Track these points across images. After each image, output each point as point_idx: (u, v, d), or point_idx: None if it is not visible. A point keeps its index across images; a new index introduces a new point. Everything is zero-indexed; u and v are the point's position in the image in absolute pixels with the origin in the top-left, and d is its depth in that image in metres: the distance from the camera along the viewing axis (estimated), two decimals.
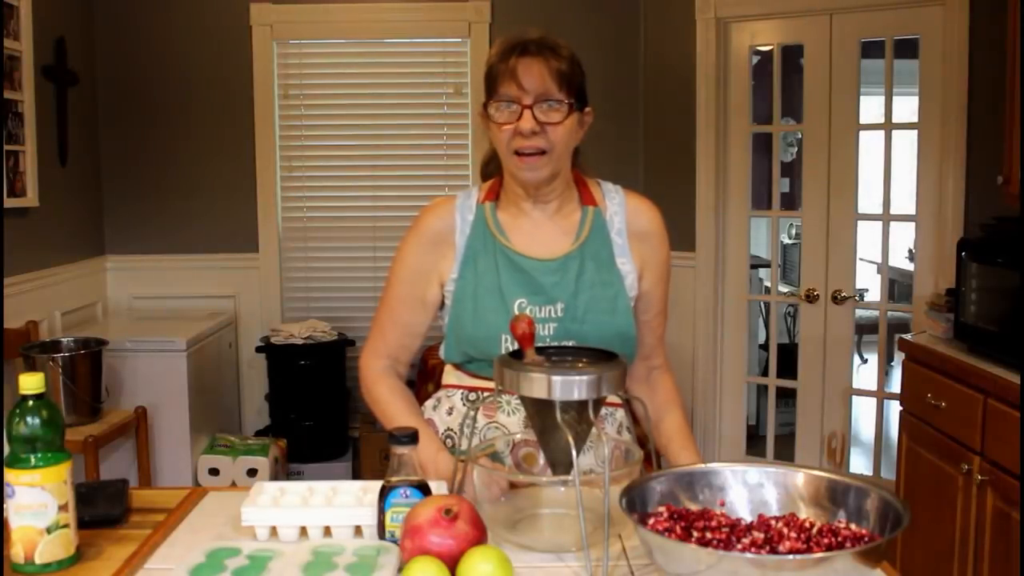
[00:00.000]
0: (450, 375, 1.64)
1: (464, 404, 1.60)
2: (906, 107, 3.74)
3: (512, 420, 1.55)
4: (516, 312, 1.52)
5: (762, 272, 5.07)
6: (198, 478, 3.66)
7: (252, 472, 3.65)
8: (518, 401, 1.55)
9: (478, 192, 1.62)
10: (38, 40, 3.47)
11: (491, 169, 1.66)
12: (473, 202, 1.60)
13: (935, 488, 2.72)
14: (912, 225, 3.53)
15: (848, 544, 1.06)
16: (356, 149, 4.28)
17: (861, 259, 3.84)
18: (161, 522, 1.37)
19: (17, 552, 1.19)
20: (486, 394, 1.56)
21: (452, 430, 1.60)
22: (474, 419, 1.47)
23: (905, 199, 3.69)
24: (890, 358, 4.68)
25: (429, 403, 1.68)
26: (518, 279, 1.53)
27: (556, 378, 1.19)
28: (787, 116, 4.03)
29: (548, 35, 1.51)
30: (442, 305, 1.63)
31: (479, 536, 1.16)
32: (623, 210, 1.60)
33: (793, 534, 1.08)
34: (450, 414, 1.62)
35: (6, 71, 3.25)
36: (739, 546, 1.06)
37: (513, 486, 1.38)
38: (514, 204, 1.58)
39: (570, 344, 1.49)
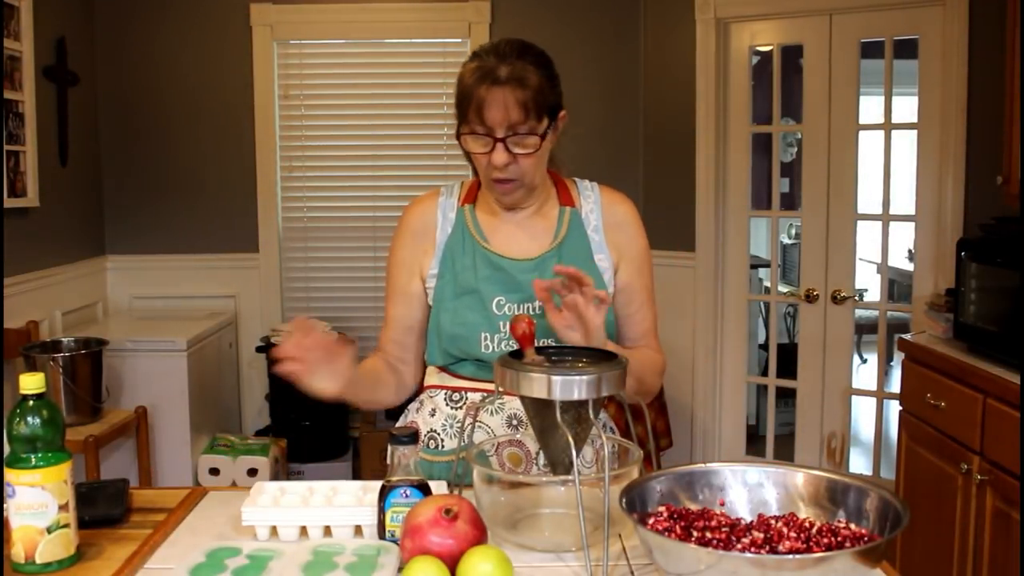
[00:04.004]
0: (432, 376, 1.64)
1: (448, 404, 1.59)
2: (906, 107, 3.74)
3: (495, 420, 1.55)
4: (494, 310, 1.53)
5: (762, 272, 5.07)
6: (198, 478, 3.66)
7: (252, 472, 3.65)
8: (501, 401, 1.55)
9: (460, 191, 1.64)
10: (39, 40, 3.47)
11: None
12: (455, 200, 1.63)
13: (935, 488, 2.72)
14: (912, 225, 3.53)
15: (848, 544, 1.06)
16: (356, 149, 4.28)
17: (861, 259, 3.84)
18: (161, 522, 1.37)
19: (18, 552, 1.19)
20: (471, 395, 1.57)
21: (435, 431, 1.60)
22: (472, 426, 1.47)
23: (905, 199, 3.70)
24: (890, 358, 4.68)
25: (412, 405, 1.68)
26: (496, 277, 1.55)
27: (556, 378, 1.19)
28: (787, 116, 4.03)
29: (518, 61, 1.45)
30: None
31: (479, 536, 1.16)
32: (598, 206, 1.63)
33: (793, 534, 1.09)
34: (433, 415, 1.61)
35: (6, 71, 3.25)
36: (739, 546, 1.06)
37: (513, 486, 1.38)
38: (491, 210, 1.61)
39: (552, 342, 1.50)
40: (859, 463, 4.18)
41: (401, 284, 1.62)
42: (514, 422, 1.54)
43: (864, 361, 6.37)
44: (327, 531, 1.29)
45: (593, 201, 1.63)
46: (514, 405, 1.53)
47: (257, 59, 4.16)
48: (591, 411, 1.23)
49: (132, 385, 3.52)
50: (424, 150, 4.27)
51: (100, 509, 1.38)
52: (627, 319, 1.63)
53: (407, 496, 1.22)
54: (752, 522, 1.14)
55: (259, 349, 4.02)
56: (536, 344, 1.33)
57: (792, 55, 3.81)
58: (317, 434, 4.01)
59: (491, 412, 1.56)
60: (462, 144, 1.52)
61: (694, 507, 1.17)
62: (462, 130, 1.49)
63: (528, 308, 1.54)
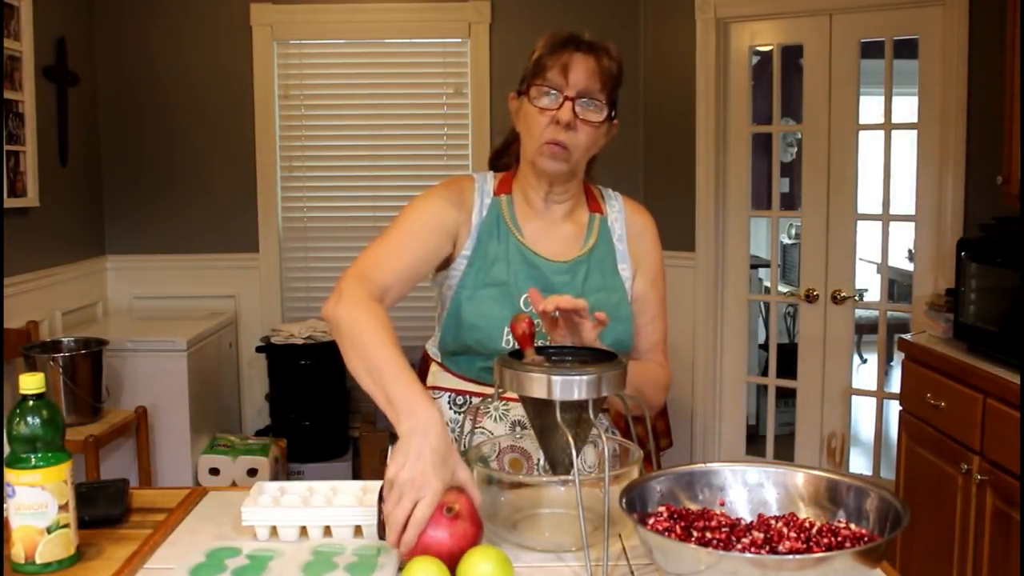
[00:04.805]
0: (436, 376, 1.62)
1: (451, 408, 1.58)
2: (906, 107, 3.74)
3: (499, 427, 1.54)
4: (522, 306, 1.51)
5: (762, 272, 5.07)
6: (198, 478, 3.66)
7: (252, 472, 3.65)
8: (505, 407, 1.55)
9: (493, 181, 1.61)
10: (38, 40, 3.47)
11: (504, 162, 1.65)
12: (490, 187, 1.60)
13: (935, 488, 2.72)
14: (912, 225, 3.53)
15: (848, 544, 1.06)
16: (356, 149, 4.28)
17: (861, 259, 3.84)
18: (161, 522, 1.37)
19: (17, 552, 1.19)
20: (475, 399, 1.55)
21: None
22: (472, 431, 1.47)
23: (905, 199, 3.69)
24: (890, 358, 4.68)
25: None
26: (529, 274, 1.53)
27: (556, 378, 1.19)
28: (787, 116, 4.03)
29: (599, 41, 1.53)
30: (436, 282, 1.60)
31: (477, 533, 1.16)
32: (622, 215, 1.63)
33: (793, 534, 1.08)
34: None
35: (6, 71, 3.25)
36: (739, 546, 1.06)
37: (513, 487, 1.38)
38: (527, 200, 1.58)
39: (569, 344, 1.49)
40: (859, 463, 4.18)
41: (428, 236, 1.50)
42: (518, 428, 1.53)
43: (864, 361, 6.37)
44: (327, 531, 1.28)
45: (617, 210, 1.64)
46: (518, 411, 1.52)
47: (257, 59, 4.16)
48: (591, 411, 1.23)
49: (132, 385, 3.52)
50: (424, 150, 4.27)
51: (100, 509, 1.38)
52: (637, 330, 1.61)
53: None
54: (752, 522, 1.14)
55: (259, 349, 4.02)
56: (536, 344, 1.33)
57: (792, 55, 3.81)
58: (317, 434, 4.01)
59: (495, 418, 1.55)
60: (521, 103, 1.52)
61: (694, 507, 1.17)
62: (534, 82, 1.49)
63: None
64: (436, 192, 1.57)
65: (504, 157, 1.66)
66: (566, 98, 1.46)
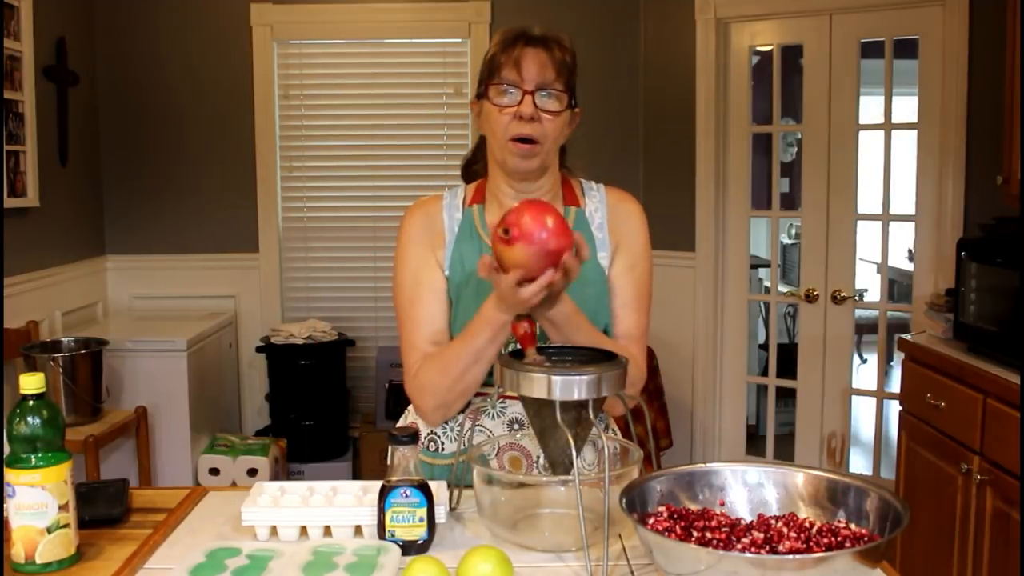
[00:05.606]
0: None
1: None
2: (906, 107, 3.74)
3: (496, 424, 1.54)
4: None
5: (762, 272, 5.07)
6: (198, 478, 3.66)
7: (252, 472, 3.65)
8: (503, 404, 1.55)
9: (464, 193, 1.62)
10: (39, 40, 3.47)
11: (475, 169, 1.66)
12: (459, 202, 1.60)
13: (935, 488, 2.72)
14: (912, 225, 3.53)
15: (848, 544, 1.06)
16: (356, 149, 4.28)
17: (861, 259, 3.84)
18: (161, 522, 1.37)
19: (17, 552, 1.19)
20: (474, 399, 1.54)
21: (436, 434, 1.58)
22: (472, 429, 1.47)
23: (905, 199, 3.70)
24: (890, 358, 4.68)
25: (412, 406, 1.65)
26: None
27: (556, 378, 1.19)
28: (787, 116, 4.03)
29: (551, 33, 1.52)
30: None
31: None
32: (603, 205, 1.61)
33: (793, 534, 1.08)
34: None
35: (6, 71, 3.25)
36: (739, 546, 1.06)
37: (514, 486, 1.37)
38: (500, 204, 1.57)
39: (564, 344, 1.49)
40: (859, 463, 4.18)
41: (425, 283, 1.56)
42: (515, 426, 1.53)
43: (864, 361, 6.37)
44: (327, 531, 1.28)
45: (598, 200, 1.62)
46: (515, 409, 1.53)
47: (257, 59, 4.16)
48: (591, 411, 1.23)
49: (132, 385, 3.53)
50: (424, 150, 4.27)
51: (100, 509, 1.38)
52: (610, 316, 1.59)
53: (407, 496, 1.22)
54: (752, 522, 1.14)
55: (259, 349, 4.02)
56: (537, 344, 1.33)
57: (792, 55, 3.81)
58: (317, 434, 4.01)
59: (492, 416, 1.55)
60: (482, 106, 1.52)
61: (694, 507, 1.17)
62: (491, 82, 1.48)
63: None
64: (403, 236, 1.59)
65: (475, 165, 1.66)
66: (525, 92, 1.46)
